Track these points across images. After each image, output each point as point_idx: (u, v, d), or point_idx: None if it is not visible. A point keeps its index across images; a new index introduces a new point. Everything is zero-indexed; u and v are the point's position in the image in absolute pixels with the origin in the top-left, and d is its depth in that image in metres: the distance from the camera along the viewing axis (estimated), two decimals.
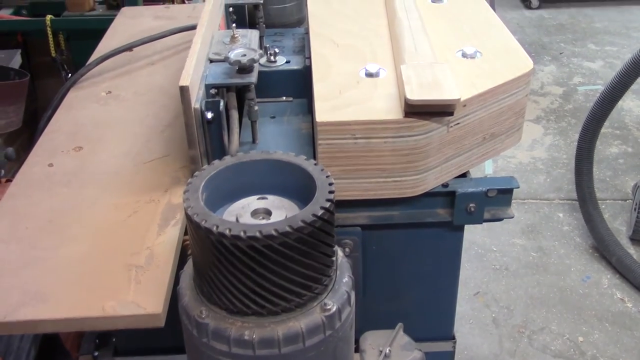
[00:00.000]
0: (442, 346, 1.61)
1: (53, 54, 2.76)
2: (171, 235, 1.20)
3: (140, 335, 1.63)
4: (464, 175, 1.41)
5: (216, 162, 1.10)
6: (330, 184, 1.02)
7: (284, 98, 1.61)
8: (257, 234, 0.94)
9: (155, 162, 1.40)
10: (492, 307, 2.76)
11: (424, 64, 1.29)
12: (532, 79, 1.38)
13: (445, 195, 1.38)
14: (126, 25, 2.05)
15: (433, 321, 1.58)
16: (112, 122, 1.55)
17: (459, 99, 1.20)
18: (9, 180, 2.11)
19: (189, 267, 1.11)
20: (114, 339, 2.52)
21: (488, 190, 1.36)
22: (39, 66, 2.87)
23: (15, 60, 2.14)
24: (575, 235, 3.14)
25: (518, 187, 1.36)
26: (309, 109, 1.57)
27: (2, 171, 2.14)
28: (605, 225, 2.97)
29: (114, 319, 1.05)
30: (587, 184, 2.99)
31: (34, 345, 2.31)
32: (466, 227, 1.49)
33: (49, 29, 2.77)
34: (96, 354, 2.56)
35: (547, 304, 2.76)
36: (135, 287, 1.09)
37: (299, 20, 1.93)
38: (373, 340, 1.32)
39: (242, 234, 0.94)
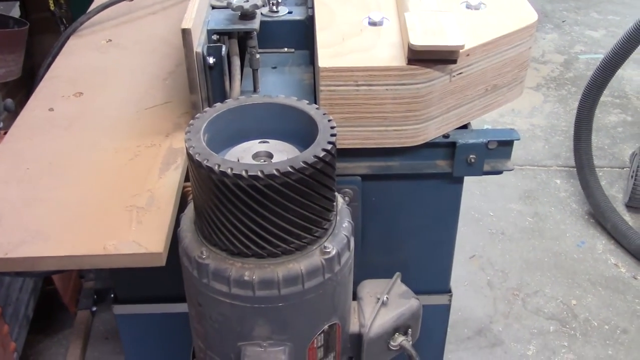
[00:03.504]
0: (438, 299, 1.63)
1: (52, 7, 2.72)
2: (172, 178, 1.20)
3: (140, 284, 1.65)
4: (465, 127, 1.41)
5: (218, 104, 1.09)
6: (332, 127, 1.02)
7: (286, 49, 1.59)
8: (259, 173, 0.94)
9: (157, 108, 1.39)
10: (487, 270, 2.78)
11: (429, 12, 1.28)
12: (535, 31, 1.37)
13: (446, 147, 1.37)
14: None
15: (430, 274, 1.60)
16: (112, 70, 1.54)
17: (462, 46, 1.19)
18: None
19: (189, 210, 1.12)
20: (112, 295, 2.54)
21: (489, 141, 1.36)
22: (37, 21, 2.82)
23: (14, 11, 2.11)
24: (571, 201, 3.15)
25: (519, 139, 1.36)
26: (311, 61, 1.56)
27: (1, 123, 2.13)
28: (601, 192, 2.98)
29: (114, 258, 1.06)
30: (585, 151, 2.99)
31: (33, 297, 2.32)
32: (463, 191, 1.50)
33: None
34: (94, 309, 2.59)
35: (542, 268, 2.78)
36: (136, 227, 1.10)
37: None
38: (371, 288, 1.33)
39: (244, 173, 0.94)
